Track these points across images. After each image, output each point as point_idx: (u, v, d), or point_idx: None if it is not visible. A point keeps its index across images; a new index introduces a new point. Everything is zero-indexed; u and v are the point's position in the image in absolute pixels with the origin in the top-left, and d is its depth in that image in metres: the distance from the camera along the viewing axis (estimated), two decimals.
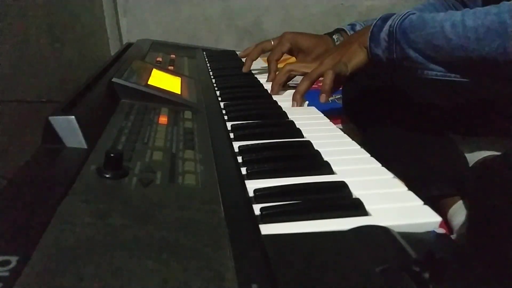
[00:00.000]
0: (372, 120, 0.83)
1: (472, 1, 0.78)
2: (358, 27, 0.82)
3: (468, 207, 0.58)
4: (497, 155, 0.53)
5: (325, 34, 0.85)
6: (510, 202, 0.43)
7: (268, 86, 0.73)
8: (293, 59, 0.87)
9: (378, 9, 1.64)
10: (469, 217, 0.55)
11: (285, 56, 0.85)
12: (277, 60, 0.80)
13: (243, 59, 0.89)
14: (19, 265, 0.22)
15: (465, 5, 0.80)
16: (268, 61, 0.80)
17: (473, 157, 0.74)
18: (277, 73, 0.74)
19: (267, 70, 0.80)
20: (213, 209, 0.31)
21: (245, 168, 0.40)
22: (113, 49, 1.45)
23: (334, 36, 0.83)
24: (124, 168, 0.34)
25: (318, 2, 1.61)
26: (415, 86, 0.75)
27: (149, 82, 0.59)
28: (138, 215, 0.28)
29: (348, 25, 0.85)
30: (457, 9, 0.74)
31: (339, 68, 0.62)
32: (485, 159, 0.70)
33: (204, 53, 1.07)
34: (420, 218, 0.33)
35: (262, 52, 0.85)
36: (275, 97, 0.67)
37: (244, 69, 0.85)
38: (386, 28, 0.59)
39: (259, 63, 0.91)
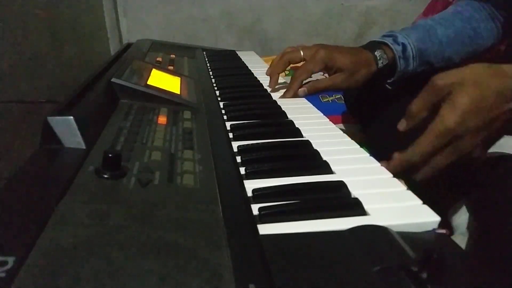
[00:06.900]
0: (374, 119, 0.82)
1: None
2: (400, 39, 0.69)
3: (472, 206, 0.57)
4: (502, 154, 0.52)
5: (362, 47, 0.70)
6: None
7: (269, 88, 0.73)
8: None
9: (378, 9, 1.64)
10: (474, 217, 0.54)
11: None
12: (304, 80, 0.68)
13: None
14: (16, 266, 0.22)
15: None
16: (293, 79, 0.68)
17: None
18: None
19: (287, 86, 0.69)
20: (212, 209, 0.31)
21: (244, 168, 0.40)
22: (113, 49, 1.45)
23: (376, 53, 0.68)
24: (122, 168, 0.34)
25: (318, 2, 1.61)
26: (420, 85, 0.74)
27: (148, 82, 0.59)
28: (136, 216, 0.28)
29: (387, 36, 0.70)
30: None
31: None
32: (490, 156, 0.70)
33: (204, 53, 1.07)
34: (419, 218, 0.33)
35: (289, 65, 0.72)
36: (274, 97, 0.67)
37: (271, 86, 0.72)
38: None
39: (265, 67, 0.83)
